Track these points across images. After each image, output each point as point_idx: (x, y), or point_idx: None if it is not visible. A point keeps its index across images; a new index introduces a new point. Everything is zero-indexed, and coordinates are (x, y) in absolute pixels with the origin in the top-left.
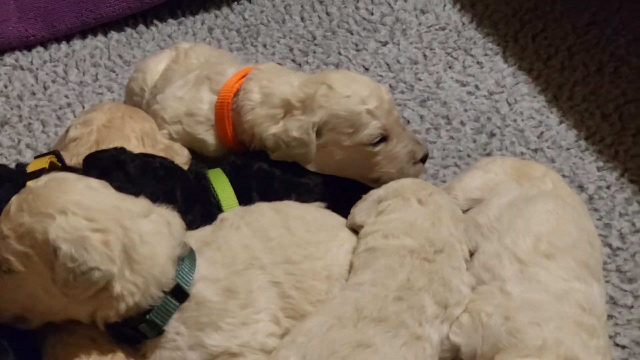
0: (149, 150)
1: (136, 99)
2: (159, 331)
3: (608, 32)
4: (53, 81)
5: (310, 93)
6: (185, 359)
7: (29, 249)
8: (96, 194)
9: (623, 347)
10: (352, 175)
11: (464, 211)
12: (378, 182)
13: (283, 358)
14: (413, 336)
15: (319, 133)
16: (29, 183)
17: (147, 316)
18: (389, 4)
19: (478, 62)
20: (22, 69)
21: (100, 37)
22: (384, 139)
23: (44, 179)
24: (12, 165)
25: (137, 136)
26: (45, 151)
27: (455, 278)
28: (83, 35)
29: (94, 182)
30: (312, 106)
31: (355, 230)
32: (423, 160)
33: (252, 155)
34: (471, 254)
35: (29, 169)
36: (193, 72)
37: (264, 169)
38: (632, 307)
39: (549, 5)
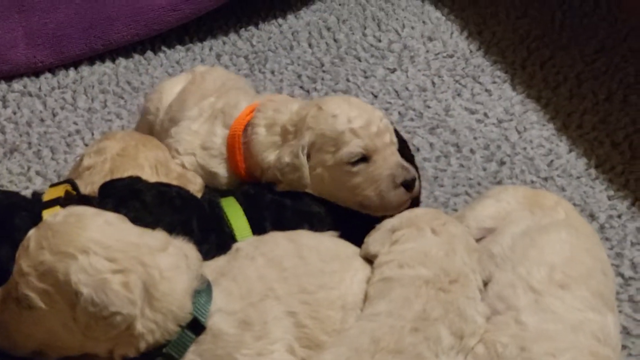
0: (162, 178)
1: (150, 118)
2: None
3: (616, 60)
4: (62, 108)
5: (302, 115)
6: None
7: (50, 287)
8: (115, 230)
9: None
10: (341, 200)
11: (477, 240)
12: (364, 208)
13: None
14: None
15: (309, 156)
16: (47, 218)
17: (164, 350)
18: (397, 31)
19: (486, 90)
20: (31, 95)
21: (108, 63)
22: (364, 158)
23: (61, 213)
24: (24, 193)
25: (150, 165)
26: (54, 178)
27: (470, 308)
28: (91, 61)
29: (112, 217)
30: (302, 129)
31: (369, 259)
32: (407, 186)
33: (263, 186)
34: (485, 284)
35: (45, 198)
36: (208, 98)
37: (276, 199)
38: None
39: (557, 33)
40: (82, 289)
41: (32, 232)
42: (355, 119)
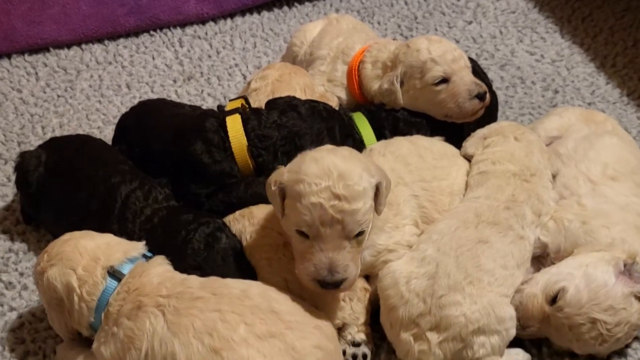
0: (309, 97)
1: (295, 49)
2: None
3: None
4: (223, 47)
5: (396, 53)
6: (361, 258)
7: None
8: None
9: None
10: (431, 112)
11: (547, 145)
12: (448, 117)
13: (422, 250)
14: (518, 236)
15: (402, 83)
16: None
17: None
18: None
19: (542, 37)
20: (200, 38)
21: (255, 15)
22: (445, 80)
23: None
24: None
25: (300, 88)
26: (221, 99)
27: (545, 194)
28: (243, 13)
29: None
30: (396, 63)
31: (467, 158)
32: (480, 97)
33: (378, 105)
34: (554, 177)
35: (227, 108)
36: (338, 37)
37: (391, 113)
38: None
39: None
40: None
41: None
42: (434, 50)
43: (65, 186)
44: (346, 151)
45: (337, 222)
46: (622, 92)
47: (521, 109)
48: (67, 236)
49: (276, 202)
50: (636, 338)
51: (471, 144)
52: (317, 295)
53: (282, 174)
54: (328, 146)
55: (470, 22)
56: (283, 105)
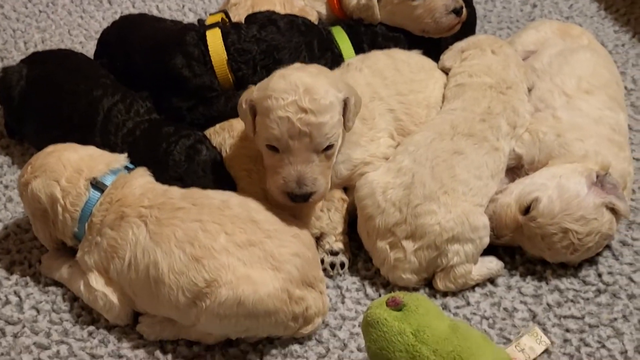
0: (288, 12)
1: None
2: None
3: None
4: None
5: None
6: (338, 171)
7: None
8: None
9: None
10: (409, 28)
11: (523, 59)
12: (425, 33)
13: (399, 161)
14: (492, 147)
15: None
16: None
17: None
18: None
19: None
20: None
21: None
22: None
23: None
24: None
25: (280, 2)
26: (202, 13)
27: (521, 107)
28: None
29: None
30: None
31: (444, 71)
32: (457, 12)
33: (356, 20)
34: (529, 90)
35: (208, 22)
36: None
37: (370, 28)
38: None
39: None
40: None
41: None
42: None
43: (48, 100)
44: (314, 68)
45: (305, 135)
46: (600, 6)
47: (499, 23)
48: (50, 148)
49: (247, 120)
50: (607, 247)
51: (449, 57)
52: (294, 207)
53: (252, 92)
54: (297, 64)
55: None
56: (262, 20)
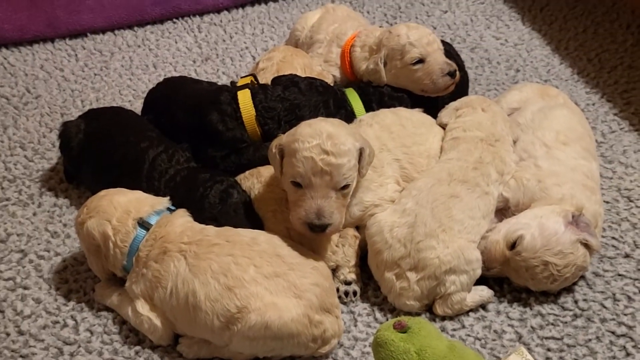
0: (308, 75)
1: (297, 34)
2: None
3: (589, 7)
4: (236, 33)
5: (381, 38)
6: (352, 212)
7: None
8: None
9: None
10: (410, 88)
11: (508, 115)
12: (425, 92)
13: (404, 204)
14: (483, 192)
15: (385, 63)
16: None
17: None
18: None
19: (506, 25)
20: (216, 25)
21: (263, 5)
22: (421, 60)
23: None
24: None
25: (301, 67)
26: (234, 76)
27: (508, 157)
28: (253, 4)
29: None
30: (380, 47)
31: (442, 126)
32: (451, 74)
33: (366, 82)
34: (514, 142)
35: (239, 84)
36: (334, 24)
37: (377, 89)
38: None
39: None
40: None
41: None
42: (412, 35)
43: (102, 150)
44: (335, 120)
45: (326, 174)
46: (573, 71)
47: (488, 85)
48: (103, 192)
49: (276, 162)
50: (582, 277)
51: (445, 114)
52: (313, 240)
53: (281, 138)
54: (320, 118)
55: (445, 12)
56: (286, 82)
